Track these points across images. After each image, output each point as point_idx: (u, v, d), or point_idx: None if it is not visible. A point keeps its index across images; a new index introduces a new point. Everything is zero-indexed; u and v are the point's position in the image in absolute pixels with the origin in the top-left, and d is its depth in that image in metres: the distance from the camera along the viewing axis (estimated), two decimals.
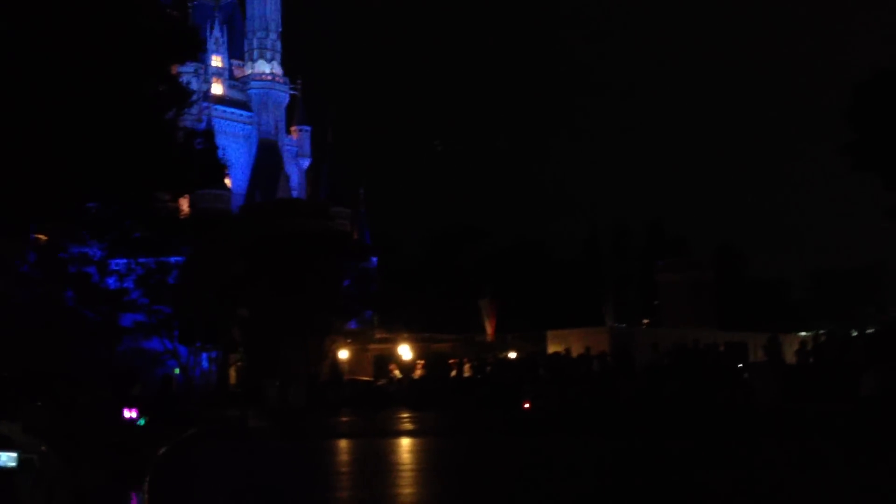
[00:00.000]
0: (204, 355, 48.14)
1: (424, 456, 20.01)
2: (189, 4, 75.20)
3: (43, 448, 7.76)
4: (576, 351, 32.41)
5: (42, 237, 37.38)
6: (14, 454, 7.40)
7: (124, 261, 44.37)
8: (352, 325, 56.66)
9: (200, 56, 64.90)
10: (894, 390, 15.48)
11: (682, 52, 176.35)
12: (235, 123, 75.87)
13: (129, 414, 20.45)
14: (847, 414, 17.92)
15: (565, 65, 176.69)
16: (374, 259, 66.27)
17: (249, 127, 76.72)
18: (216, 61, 75.48)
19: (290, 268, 44.29)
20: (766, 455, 16.89)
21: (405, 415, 31.00)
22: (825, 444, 17.55)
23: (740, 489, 12.88)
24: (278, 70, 78.21)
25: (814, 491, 12.65)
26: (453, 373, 36.33)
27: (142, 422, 21.55)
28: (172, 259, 45.79)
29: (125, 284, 44.05)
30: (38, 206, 22.24)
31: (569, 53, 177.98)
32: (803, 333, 41.99)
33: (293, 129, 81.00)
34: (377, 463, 18.63)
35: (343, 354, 50.00)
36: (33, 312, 31.95)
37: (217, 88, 75.10)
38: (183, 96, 24.87)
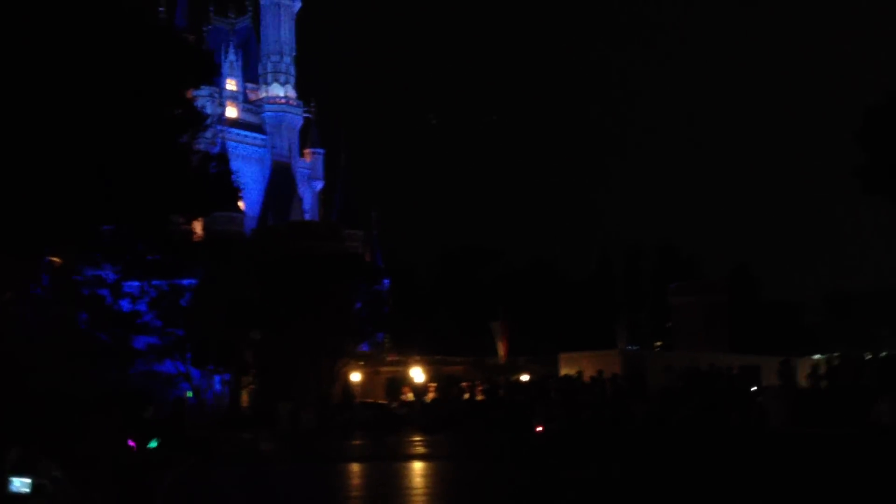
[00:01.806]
0: (216, 378, 48.14)
1: (436, 481, 19.95)
2: (204, 28, 75.93)
3: (56, 473, 7.80)
4: (588, 374, 32.34)
5: (56, 260, 37.52)
6: (28, 480, 7.45)
7: (138, 283, 44.43)
8: (364, 348, 56.56)
9: (215, 80, 65.40)
10: None
11: (696, 71, 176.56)
12: (249, 146, 76.27)
13: (138, 436, 20.42)
14: (861, 440, 17.77)
15: (576, 84, 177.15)
16: (387, 281, 66.25)
17: (263, 150, 77.09)
18: (231, 85, 76.02)
19: (303, 290, 44.34)
20: (777, 486, 16.76)
21: (417, 438, 30.94)
22: (839, 473, 17.40)
23: None
24: (292, 93, 78.62)
25: None
26: (466, 396, 36.29)
27: (154, 444, 21.53)
28: (186, 281, 45.87)
29: (138, 307, 44.09)
30: (52, 229, 22.35)
31: (584, 69, 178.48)
32: (817, 356, 41.68)
33: (306, 151, 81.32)
34: (388, 487, 18.58)
35: (355, 377, 49.90)
36: (46, 335, 32.05)
37: (231, 112, 75.57)
38: (198, 120, 24.93)
